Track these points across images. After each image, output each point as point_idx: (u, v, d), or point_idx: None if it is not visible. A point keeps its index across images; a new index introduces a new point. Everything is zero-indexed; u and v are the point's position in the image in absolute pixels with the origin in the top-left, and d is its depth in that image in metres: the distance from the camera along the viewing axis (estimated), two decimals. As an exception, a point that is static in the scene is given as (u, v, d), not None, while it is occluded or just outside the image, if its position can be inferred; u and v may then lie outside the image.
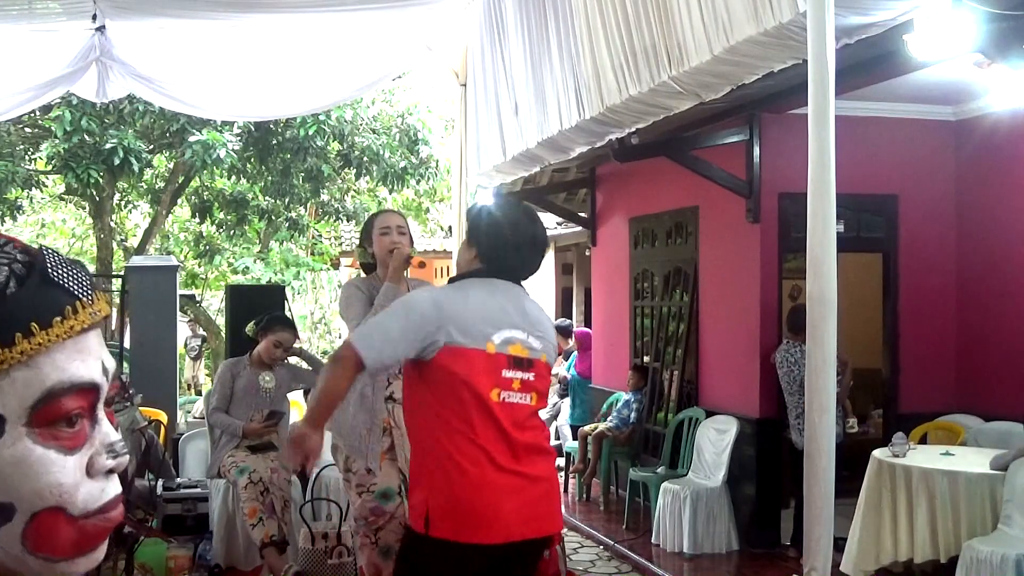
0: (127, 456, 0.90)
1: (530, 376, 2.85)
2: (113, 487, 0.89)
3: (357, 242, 4.31)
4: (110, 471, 0.88)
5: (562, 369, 11.19)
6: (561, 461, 9.59)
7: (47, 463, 0.83)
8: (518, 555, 2.87)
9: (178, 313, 9.13)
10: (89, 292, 0.87)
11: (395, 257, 3.87)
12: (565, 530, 6.65)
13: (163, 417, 6.90)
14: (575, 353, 10.44)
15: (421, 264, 4.42)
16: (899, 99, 6.42)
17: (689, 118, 6.00)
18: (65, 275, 0.86)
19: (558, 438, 10.35)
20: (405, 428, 3.94)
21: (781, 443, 6.63)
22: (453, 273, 3.31)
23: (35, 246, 0.88)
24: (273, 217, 13.45)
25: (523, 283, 3.04)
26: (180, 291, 9.74)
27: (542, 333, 2.93)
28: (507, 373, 2.80)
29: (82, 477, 0.85)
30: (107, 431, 0.88)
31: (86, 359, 0.86)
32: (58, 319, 0.83)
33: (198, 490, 6.13)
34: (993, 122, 6.48)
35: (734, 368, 6.97)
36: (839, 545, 5.00)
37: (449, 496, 2.74)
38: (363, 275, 4.24)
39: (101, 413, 0.88)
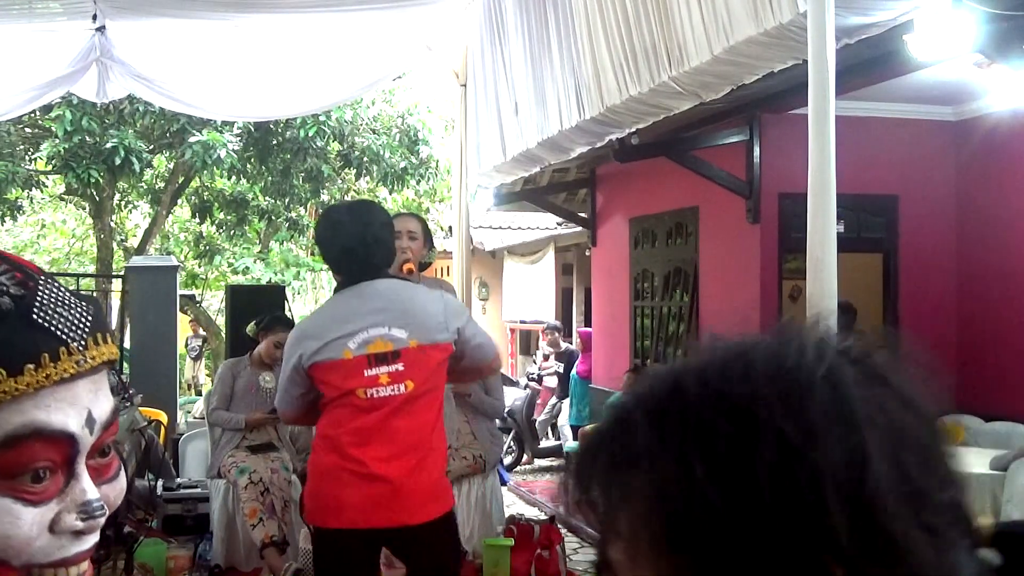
0: (102, 518, 0.79)
1: (398, 367, 3.01)
2: (78, 545, 0.78)
3: None
4: (79, 532, 0.78)
5: (551, 365, 11.19)
6: (561, 461, 9.62)
7: (0, 512, 0.74)
8: (405, 542, 3.05)
9: (178, 313, 9.13)
10: (82, 337, 0.78)
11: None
12: (565, 530, 6.65)
13: (163, 417, 6.90)
14: (578, 353, 10.49)
15: (409, 271, 4.47)
16: (899, 99, 6.42)
17: (689, 118, 6.00)
18: (54, 316, 0.77)
19: (559, 438, 10.36)
20: None
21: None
22: (454, 273, 3.45)
23: (36, 278, 0.79)
24: (273, 217, 13.45)
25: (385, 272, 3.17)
26: (180, 291, 9.75)
27: (409, 320, 3.04)
28: (370, 371, 3.00)
29: (40, 532, 0.76)
30: (84, 488, 0.78)
31: (63, 408, 0.76)
32: (31, 367, 0.74)
33: (198, 490, 6.13)
34: (993, 122, 6.48)
35: (734, 368, 6.97)
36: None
37: (311, 485, 3.12)
38: None
39: (81, 468, 0.79)
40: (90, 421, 0.79)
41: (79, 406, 0.78)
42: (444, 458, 3.18)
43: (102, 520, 0.80)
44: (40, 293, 0.77)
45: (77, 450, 0.78)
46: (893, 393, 0.57)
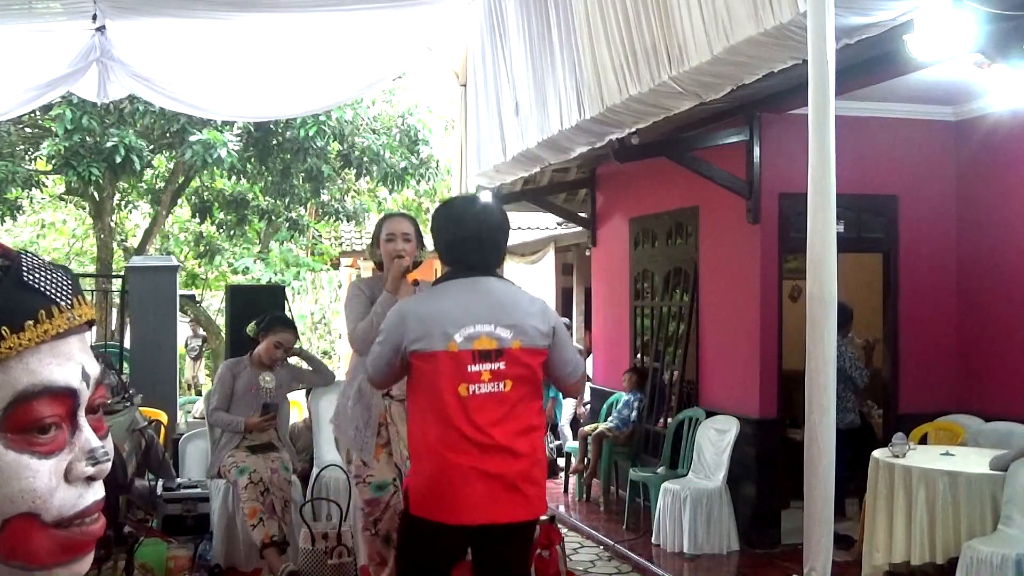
0: (108, 463, 0.87)
1: (500, 365, 3.04)
2: (92, 493, 0.86)
3: (370, 240, 4.39)
4: (90, 478, 0.85)
5: None
6: (561, 461, 9.61)
7: (19, 468, 0.80)
8: (495, 537, 3.10)
9: (178, 313, 9.13)
10: (68, 297, 0.85)
11: (394, 268, 3.99)
12: (565, 530, 6.64)
13: (163, 417, 6.90)
14: (583, 352, 10.47)
15: (415, 283, 4.46)
16: (899, 99, 6.41)
17: (689, 118, 6.00)
18: (42, 279, 0.84)
19: (558, 438, 10.36)
20: (399, 424, 4.08)
21: (781, 443, 6.64)
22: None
23: (15, 250, 0.86)
24: (273, 217, 13.45)
25: (500, 270, 3.27)
26: (180, 291, 9.75)
27: (514, 321, 3.08)
28: (473, 368, 3.03)
29: (58, 483, 0.83)
30: (88, 437, 0.86)
31: (62, 364, 0.84)
32: (31, 323, 0.81)
33: (198, 490, 6.13)
34: (993, 122, 6.48)
35: (734, 368, 6.97)
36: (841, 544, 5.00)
37: (425, 479, 3.09)
38: (369, 274, 4.37)
39: (82, 420, 0.86)
40: (85, 376, 0.86)
41: (75, 361, 0.85)
42: (543, 462, 3.22)
43: (108, 466, 0.87)
44: (24, 261, 0.85)
45: (78, 403, 0.85)
46: None
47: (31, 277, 0.84)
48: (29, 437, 0.81)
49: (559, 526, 5.68)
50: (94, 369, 0.88)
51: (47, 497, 0.82)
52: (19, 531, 0.81)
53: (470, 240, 3.14)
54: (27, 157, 12.32)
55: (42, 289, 0.84)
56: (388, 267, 4.03)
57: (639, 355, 8.56)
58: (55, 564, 0.83)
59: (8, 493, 0.80)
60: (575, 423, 10.24)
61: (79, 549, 0.85)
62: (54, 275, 0.86)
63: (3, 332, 0.80)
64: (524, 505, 3.08)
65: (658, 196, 8.00)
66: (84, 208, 14.82)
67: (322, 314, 17.69)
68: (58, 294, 0.85)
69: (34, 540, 0.82)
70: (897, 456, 5.18)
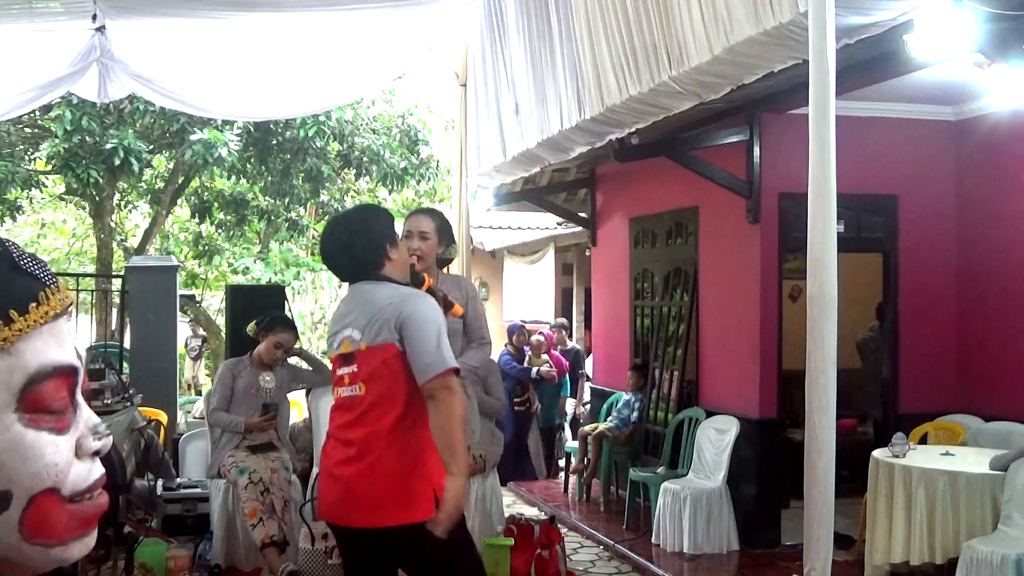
0: (111, 437, 0.92)
1: (353, 368, 3.05)
2: (98, 468, 0.90)
3: None
4: (95, 452, 0.90)
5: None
6: (561, 461, 9.62)
7: (41, 445, 0.84)
8: (377, 542, 3.04)
9: (178, 313, 9.13)
10: (54, 280, 0.89)
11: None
12: (565, 530, 6.64)
13: (163, 417, 6.90)
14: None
15: (420, 273, 4.30)
16: (899, 99, 6.42)
17: (689, 118, 6.00)
18: (31, 264, 0.88)
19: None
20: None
21: (781, 443, 6.64)
22: (452, 272, 3.47)
23: (2, 239, 0.89)
24: (273, 217, 13.45)
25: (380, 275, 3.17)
26: (180, 291, 9.75)
27: (365, 321, 3.04)
28: (339, 371, 3.10)
29: (72, 457, 0.87)
30: (89, 414, 0.90)
31: (62, 344, 0.88)
32: (33, 304, 0.85)
33: (198, 490, 6.13)
34: (993, 122, 6.48)
35: (734, 368, 6.97)
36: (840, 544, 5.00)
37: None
38: None
39: (80, 397, 0.90)
40: (78, 355, 0.90)
41: (69, 341, 0.89)
42: (403, 468, 2.96)
43: (110, 440, 0.92)
44: (13, 248, 0.88)
45: (77, 381, 0.90)
46: None
47: (24, 263, 0.87)
48: (45, 416, 0.85)
49: (559, 526, 5.69)
50: (81, 349, 0.91)
51: (67, 471, 0.86)
52: (43, 507, 0.84)
53: (323, 255, 3.28)
54: (27, 157, 12.31)
55: (35, 273, 0.87)
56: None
57: (639, 355, 8.56)
58: (71, 539, 0.87)
59: (34, 470, 0.84)
60: (575, 423, 10.24)
61: (90, 523, 0.89)
62: (38, 261, 0.89)
63: (12, 316, 0.83)
64: (357, 512, 2.98)
65: (658, 196, 8.00)
66: (84, 208, 14.82)
67: (322, 314, 17.66)
68: (47, 278, 0.88)
69: (55, 515, 0.85)
70: (897, 456, 5.19)
